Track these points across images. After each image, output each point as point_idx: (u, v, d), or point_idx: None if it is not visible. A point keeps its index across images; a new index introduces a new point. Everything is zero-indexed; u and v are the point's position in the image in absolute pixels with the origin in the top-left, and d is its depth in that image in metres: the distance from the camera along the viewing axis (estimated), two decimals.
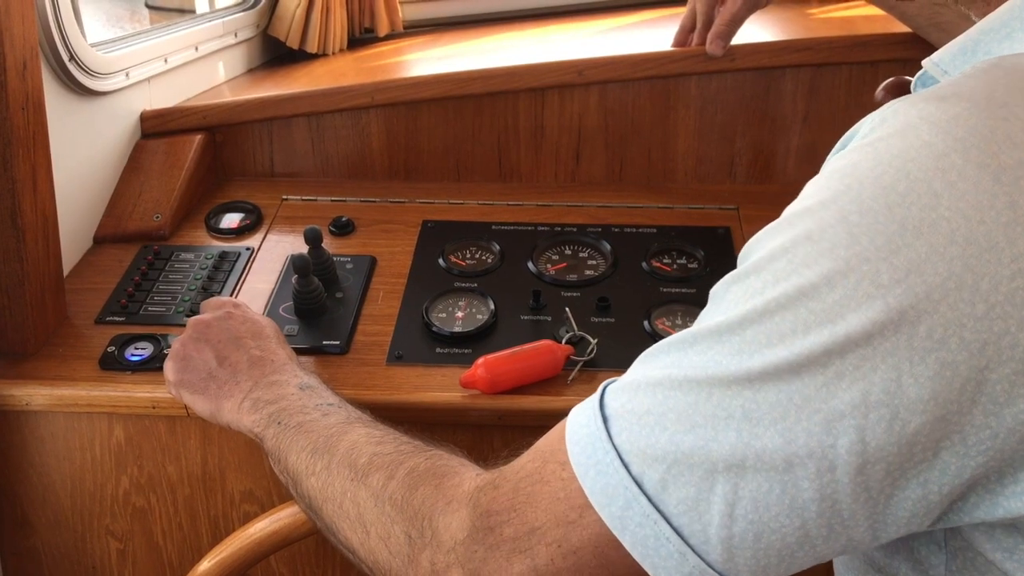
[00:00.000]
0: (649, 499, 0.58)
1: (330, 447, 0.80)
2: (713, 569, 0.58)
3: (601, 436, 0.61)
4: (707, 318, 0.60)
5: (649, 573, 0.59)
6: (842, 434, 0.53)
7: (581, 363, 1.05)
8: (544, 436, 0.68)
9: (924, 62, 0.65)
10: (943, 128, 0.53)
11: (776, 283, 0.55)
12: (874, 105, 1.01)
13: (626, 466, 0.59)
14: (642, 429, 0.59)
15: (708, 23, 1.32)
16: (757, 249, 0.59)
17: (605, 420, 0.62)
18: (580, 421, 0.63)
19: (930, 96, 0.56)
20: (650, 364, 0.62)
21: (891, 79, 0.96)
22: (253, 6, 1.61)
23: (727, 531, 0.57)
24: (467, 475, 0.71)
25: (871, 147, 0.55)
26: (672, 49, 1.35)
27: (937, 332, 0.51)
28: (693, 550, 0.58)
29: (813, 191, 0.57)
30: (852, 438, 0.53)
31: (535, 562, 0.63)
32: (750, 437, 0.55)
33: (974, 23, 0.66)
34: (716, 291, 0.61)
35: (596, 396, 0.64)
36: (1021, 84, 0.54)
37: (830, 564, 0.76)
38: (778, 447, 0.55)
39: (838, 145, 0.62)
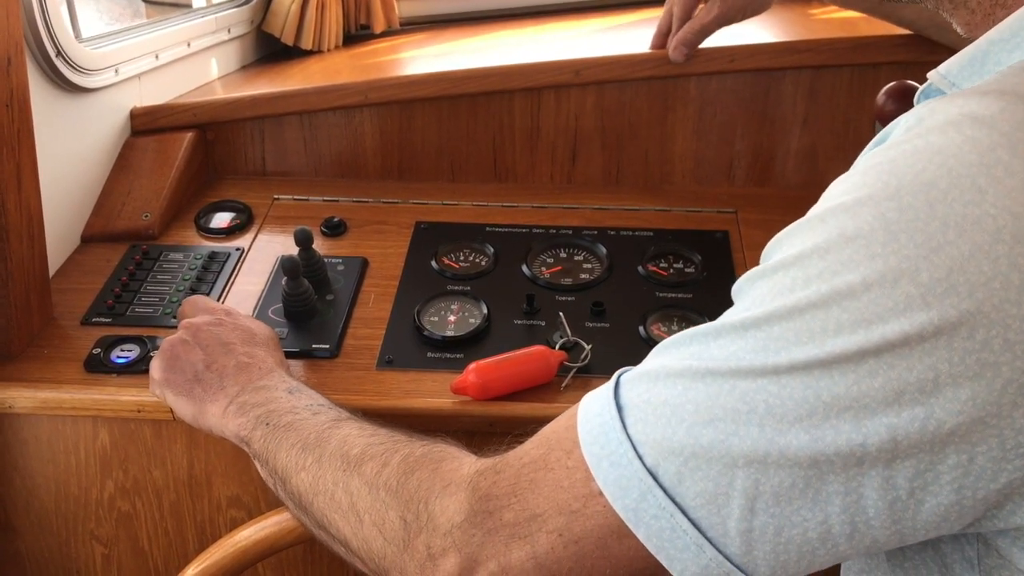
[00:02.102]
0: (665, 491, 0.57)
1: (321, 442, 0.79)
2: (731, 562, 0.57)
3: (615, 426, 0.60)
4: (731, 314, 0.59)
5: (664, 565, 0.58)
6: (872, 433, 0.52)
7: (575, 369, 1.03)
8: (551, 423, 0.66)
9: (930, 74, 0.63)
10: (987, 123, 0.51)
11: (808, 282, 0.54)
12: (875, 108, 1.00)
13: (640, 457, 0.58)
14: (658, 420, 0.58)
15: None
16: (785, 246, 0.57)
17: (620, 409, 0.60)
18: (593, 410, 0.62)
19: (971, 92, 0.54)
20: (669, 355, 0.61)
21: (893, 83, 0.95)
22: (247, 2, 1.59)
23: (747, 524, 0.56)
24: (466, 460, 0.70)
25: (909, 144, 0.53)
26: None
27: (979, 333, 0.49)
28: (711, 542, 0.57)
29: (847, 188, 0.55)
30: (883, 437, 0.52)
31: (535, 549, 0.62)
32: (774, 433, 0.54)
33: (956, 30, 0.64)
34: (740, 287, 0.60)
35: (611, 385, 0.62)
36: None
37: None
38: (804, 444, 0.53)
39: (871, 144, 0.61)
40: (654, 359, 0.62)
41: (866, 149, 0.60)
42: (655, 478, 0.58)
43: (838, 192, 0.55)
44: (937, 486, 0.52)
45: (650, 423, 0.58)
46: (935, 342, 0.50)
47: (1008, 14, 0.59)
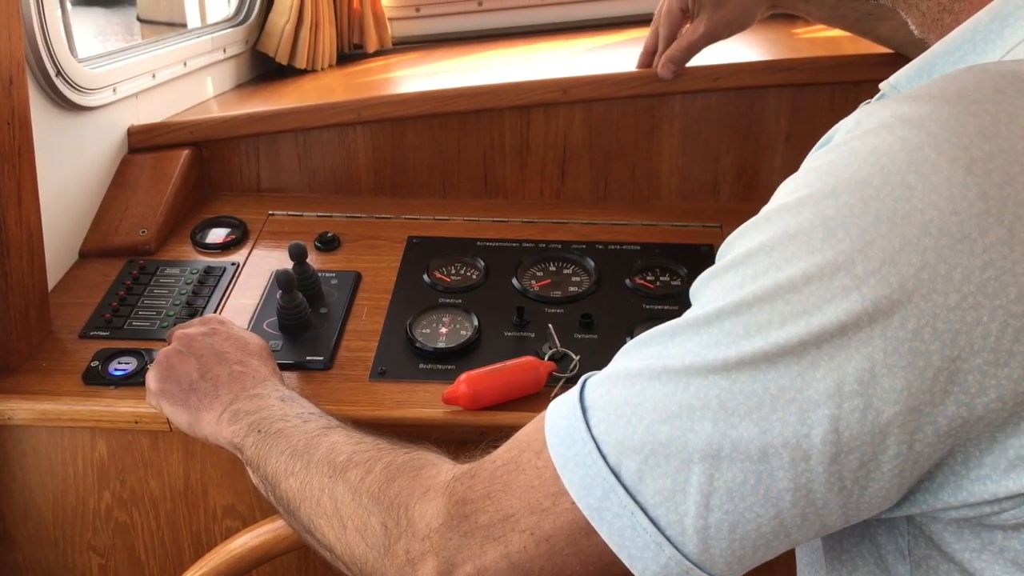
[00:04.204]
0: (626, 490, 0.59)
1: (309, 448, 0.81)
2: (689, 560, 0.59)
3: (580, 427, 0.62)
4: (687, 313, 0.61)
5: (626, 564, 0.60)
6: (816, 424, 0.54)
7: (564, 379, 1.05)
8: (523, 428, 0.69)
9: (882, 85, 0.67)
10: (916, 124, 0.54)
11: (755, 278, 0.56)
12: None
13: (604, 457, 0.60)
14: (619, 420, 0.60)
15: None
16: (736, 246, 0.60)
17: (584, 411, 0.62)
18: (560, 413, 0.64)
19: (903, 97, 0.57)
20: (630, 356, 0.63)
21: (869, 100, 0.98)
22: (243, 22, 1.62)
23: (703, 521, 0.58)
24: (444, 466, 0.72)
25: (847, 146, 0.56)
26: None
27: (910, 322, 0.52)
28: (669, 541, 0.58)
29: (791, 189, 0.58)
30: (826, 428, 0.54)
31: (508, 549, 0.64)
32: (726, 427, 0.56)
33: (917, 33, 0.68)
34: (696, 288, 0.63)
35: (576, 388, 0.65)
36: (991, 83, 0.55)
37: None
38: (753, 437, 0.56)
39: (816, 147, 0.64)
40: (617, 361, 0.65)
41: (812, 151, 0.63)
42: (617, 477, 0.60)
43: (784, 193, 0.59)
44: (880, 473, 0.55)
45: (612, 423, 0.61)
46: (870, 331, 0.53)
47: (954, 19, 0.63)
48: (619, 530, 0.60)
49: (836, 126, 0.61)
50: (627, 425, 0.60)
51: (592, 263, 1.25)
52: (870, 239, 0.53)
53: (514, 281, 1.23)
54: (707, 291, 0.60)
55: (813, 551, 0.73)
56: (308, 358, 1.10)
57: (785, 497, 0.57)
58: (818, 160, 0.58)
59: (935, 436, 0.54)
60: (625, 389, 0.61)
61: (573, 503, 0.61)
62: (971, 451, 0.55)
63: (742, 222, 1.46)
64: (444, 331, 1.14)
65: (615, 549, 0.60)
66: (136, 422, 1.04)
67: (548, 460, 0.63)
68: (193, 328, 1.01)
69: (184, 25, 1.77)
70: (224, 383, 0.93)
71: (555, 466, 0.62)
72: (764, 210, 0.59)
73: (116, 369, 1.08)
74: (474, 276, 1.24)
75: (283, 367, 1.06)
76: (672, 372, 0.59)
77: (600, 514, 0.60)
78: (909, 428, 0.54)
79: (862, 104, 0.68)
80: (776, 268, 0.55)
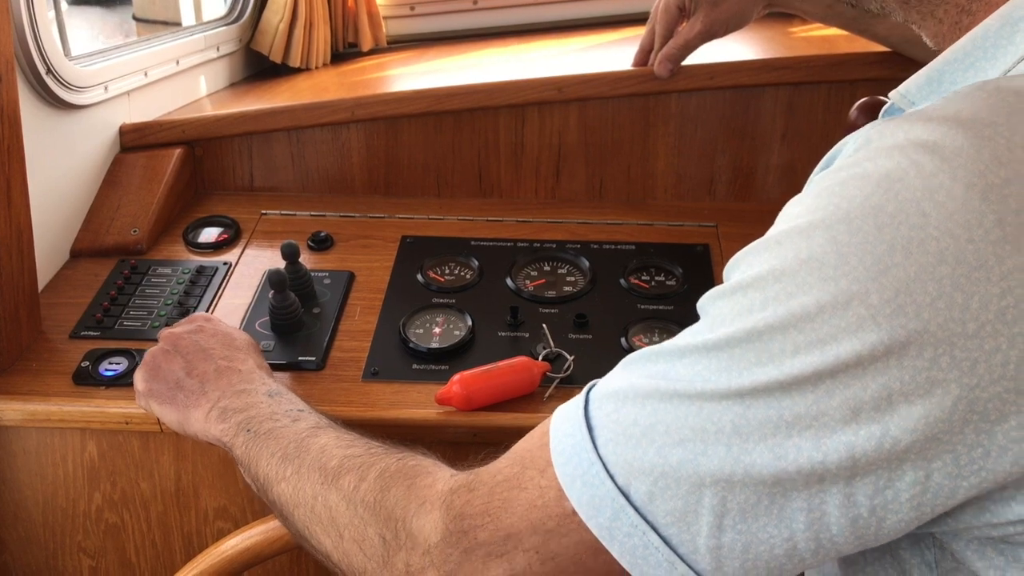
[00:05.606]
0: (637, 510, 0.59)
1: (300, 452, 0.80)
2: None
3: (587, 447, 0.61)
4: (695, 333, 0.60)
5: None
6: (832, 451, 0.54)
7: (558, 380, 1.05)
8: (523, 439, 0.68)
9: (891, 94, 0.65)
10: (931, 148, 0.53)
11: (765, 304, 0.55)
12: (848, 123, 1.02)
13: (612, 477, 0.60)
14: (628, 441, 0.59)
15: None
16: (743, 267, 0.59)
17: (590, 430, 0.62)
18: (564, 430, 0.63)
19: (916, 117, 0.56)
20: (635, 371, 0.62)
21: (864, 99, 0.97)
22: (236, 20, 1.61)
23: (716, 540, 0.57)
24: (440, 475, 0.71)
25: (858, 167, 0.55)
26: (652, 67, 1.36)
27: (927, 352, 0.51)
28: (682, 559, 0.58)
29: (801, 211, 0.57)
30: (842, 455, 0.53)
31: (513, 567, 0.63)
32: (739, 452, 0.56)
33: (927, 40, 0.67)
34: (703, 305, 0.62)
35: (580, 402, 0.64)
36: (1004, 104, 0.54)
37: None
38: (767, 463, 0.55)
39: (821, 164, 0.62)
40: (622, 375, 0.63)
41: (816, 169, 0.62)
42: (627, 497, 0.59)
43: (793, 214, 0.57)
44: (897, 504, 0.54)
45: (620, 443, 0.60)
46: (886, 361, 0.52)
47: (972, 20, 0.62)
48: (631, 549, 0.59)
49: (840, 143, 0.60)
50: (636, 447, 0.59)
51: (587, 263, 1.25)
52: (884, 267, 0.52)
53: (508, 281, 1.22)
54: (714, 310, 0.59)
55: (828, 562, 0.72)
56: (300, 358, 1.09)
57: (799, 518, 0.56)
58: (827, 180, 0.56)
59: (955, 467, 0.53)
60: (634, 409, 0.60)
61: (580, 523, 0.61)
62: (995, 492, 0.54)
63: (738, 221, 1.47)
64: (438, 331, 1.13)
65: (628, 568, 0.60)
66: (127, 423, 1.03)
67: (552, 478, 0.62)
68: (179, 327, 1.00)
69: (179, 24, 1.76)
70: (211, 379, 0.92)
71: (561, 485, 0.62)
72: (772, 231, 0.58)
73: (107, 369, 1.07)
74: (468, 276, 1.24)
75: (275, 367, 1.06)
76: (684, 395, 0.58)
77: (611, 534, 0.60)
78: (927, 456, 0.53)
79: (875, 114, 0.67)
80: (788, 295, 0.54)
